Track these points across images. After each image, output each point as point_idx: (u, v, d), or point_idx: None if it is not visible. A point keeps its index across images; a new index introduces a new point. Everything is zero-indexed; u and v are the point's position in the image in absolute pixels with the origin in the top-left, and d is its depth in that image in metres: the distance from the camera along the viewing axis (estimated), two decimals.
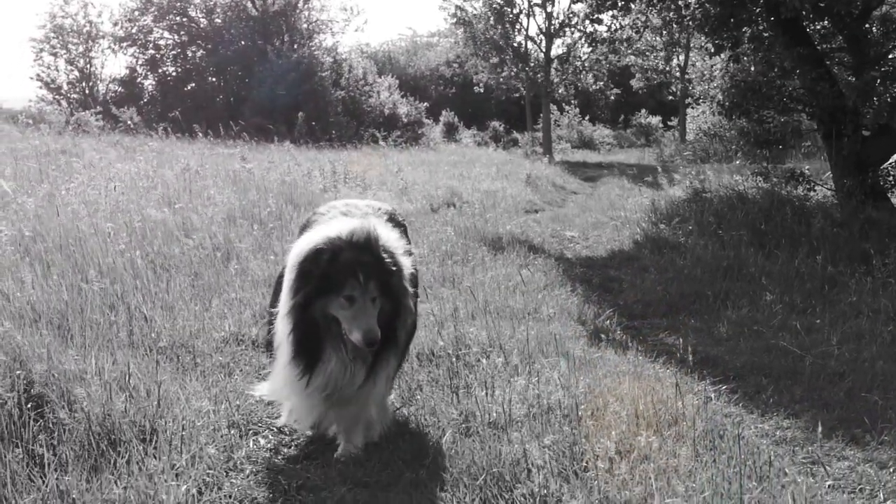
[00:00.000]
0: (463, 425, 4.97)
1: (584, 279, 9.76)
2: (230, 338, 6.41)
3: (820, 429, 4.66)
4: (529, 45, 39.81)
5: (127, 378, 4.91)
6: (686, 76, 37.83)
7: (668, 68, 43.03)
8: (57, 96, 36.31)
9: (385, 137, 30.76)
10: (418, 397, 5.60)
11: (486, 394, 5.38)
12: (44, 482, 3.89)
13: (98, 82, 37.48)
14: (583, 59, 40.18)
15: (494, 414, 5.05)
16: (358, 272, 4.22)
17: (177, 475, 4.12)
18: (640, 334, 7.63)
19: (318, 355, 4.39)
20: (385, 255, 4.36)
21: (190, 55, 38.20)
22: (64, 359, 4.92)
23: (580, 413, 4.98)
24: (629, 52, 40.57)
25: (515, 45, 39.38)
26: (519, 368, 5.93)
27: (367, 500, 4.11)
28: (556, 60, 39.52)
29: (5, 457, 3.98)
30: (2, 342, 4.85)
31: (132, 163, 13.03)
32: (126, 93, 36.75)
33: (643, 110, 52.34)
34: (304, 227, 5.21)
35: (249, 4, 38.37)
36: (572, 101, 46.34)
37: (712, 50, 14.28)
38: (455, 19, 39.10)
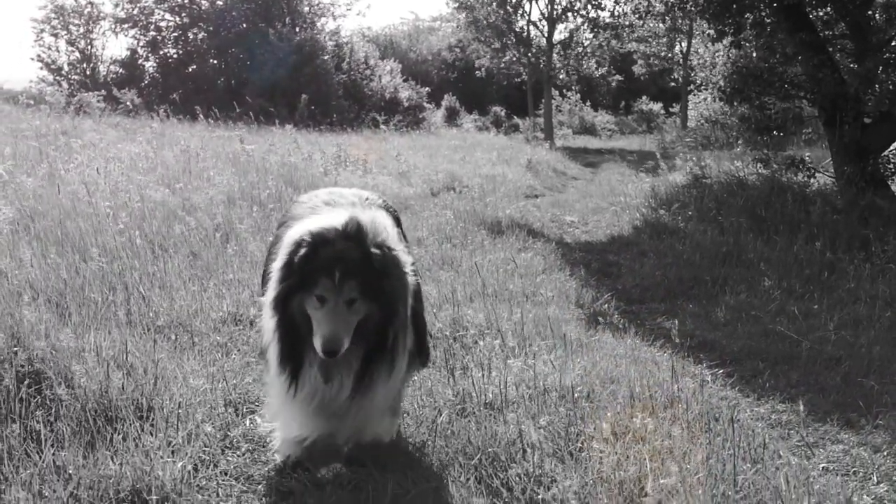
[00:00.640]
0: (459, 406, 4.98)
1: (582, 263, 9.76)
2: (228, 318, 6.42)
3: (815, 412, 4.69)
4: (531, 29, 39.73)
5: (124, 356, 4.92)
6: (688, 63, 37.69)
7: (670, 55, 42.95)
8: (58, 77, 36.16)
9: (386, 121, 30.71)
10: (415, 378, 5.61)
11: (483, 375, 5.39)
12: (41, 457, 3.90)
13: (99, 64, 37.35)
14: (585, 44, 40.10)
15: (490, 395, 5.06)
16: (334, 269, 3.69)
17: (173, 452, 4.13)
18: (637, 318, 7.64)
19: (302, 359, 3.91)
20: (377, 252, 3.80)
21: (191, 37, 38.02)
22: (62, 336, 4.94)
23: (576, 395, 5.00)
24: (631, 38, 40.47)
25: (517, 29, 39.29)
26: (516, 350, 5.93)
27: (362, 478, 4.12)
28: (558, 45, 39.45)
29: (3, 432, 4.00)
30: (0, 319, 4.85)
31: (132, 144, 13.02)
32: (127, 74, 36.59)
33: (645, 97, 52.23)
34: (284, 219, 4.71)
35: None
36: (574, 87, 46.25)
37: (714, 36, 14.23)
38: (457, 3, 38.98)
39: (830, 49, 13.36)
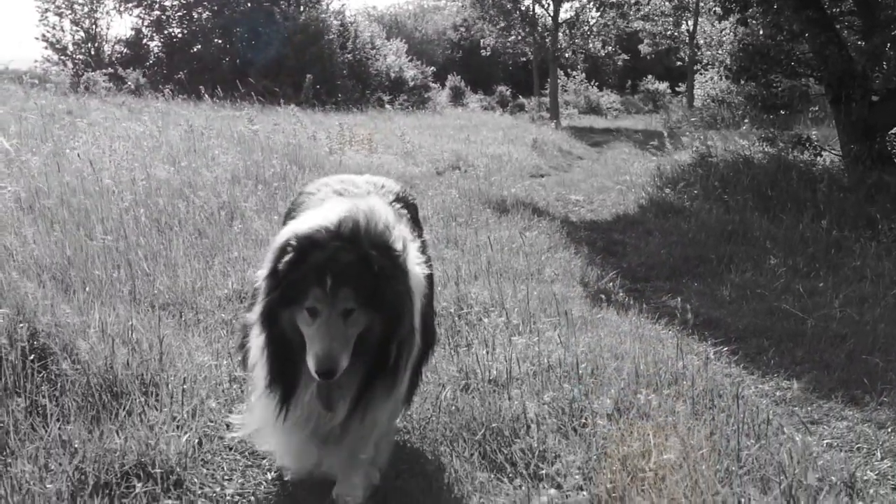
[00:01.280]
0: (463, 382, 4.99)
1: (587, 242, 9.75)
2: (233, 295, 6.41)
3: (820, 389, 4.69)
4: (537, 8, 39.54)
5: (129, 332, 4.92)
6: (694, 41, 37.51)
7: (676, 33, 42.67)
8: (62, 57, 36.14)
9: (391, 101, 30.68)
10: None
11: (487, 352, 5.40)
12: (46, 431, 3.92)
13: (104, 43, 37.31)
14: (591, 23, 39.92)
15: (495, 371, 5.07)
16: (325, 276, 3.19)
17: (178, 427, 4.14)
18: (642, 297, 7.64)
19: (296, 381, 3.42)
20: (375, 253, 3.29)
21: (196, 16, 37.92)
22: (67, 312, 4.94)
23: (580, 371, 5.00)
24: (637, 16, 40.26)
25: (523, 8, 39.11)
26: (520, 327, 5.94)
27: None
28: (564, 25, 39.27)
29: (9, 406, 4.02)
30: (5, 295, 4.86)
31: (137, 123, 13.00)
32: (131, 54, 36.55)
33: (651, 76, 52.03)
34: (290, 212, 4.24)
35: None
36: (580, 66, 46.07)
37: (720, 13, 14.15)
38: None
39: (837, 26, 13.29)
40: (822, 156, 13.47)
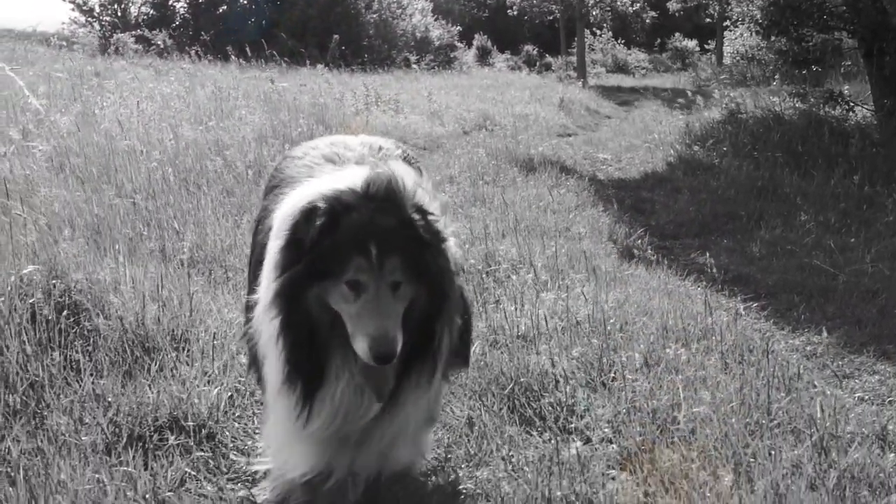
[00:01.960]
0: (491, 338, 4.99)
1: (615, 200, 9.68)
2: None
3: (851, 344, 4.66)
4: None
5: (159, 289, 4.97)
6: None
7: None
8: (89, 19, 36.17)
9: (417, 61, 30.49)
10: None
11: (515, 308, 5.39)
12: (80, 385, 3.98)
13: (130, 4, 37.27)
14: None
15: (523, 327, 5.06)
16: (369, 244, 2.72)
17: (209, 381, 4.18)
18: (671, 253, 7.60)
19: (322, 373, 2.89)
20: (418, 217, 2.85)
21: None
22: (98, 269, 4.99)
23: (609, 327, 4.99)
24: None
25: None
26: (548, 284, 5.93)
27: None
28: None
29: (44, 361, 4.07)
30: (38, 252, 4.91)
31: (165, 84, 13.02)
32: (158, 15, 36.47)
33: (679, 34, 51.37)
34: (273, 181, 3.71)
35: None
36: (607, 25, 45.57)
37: None
38: None
39: None
40: (854, 111, 13.25)
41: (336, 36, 31.19)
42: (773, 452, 3.62)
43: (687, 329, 5.09)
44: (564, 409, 4.16)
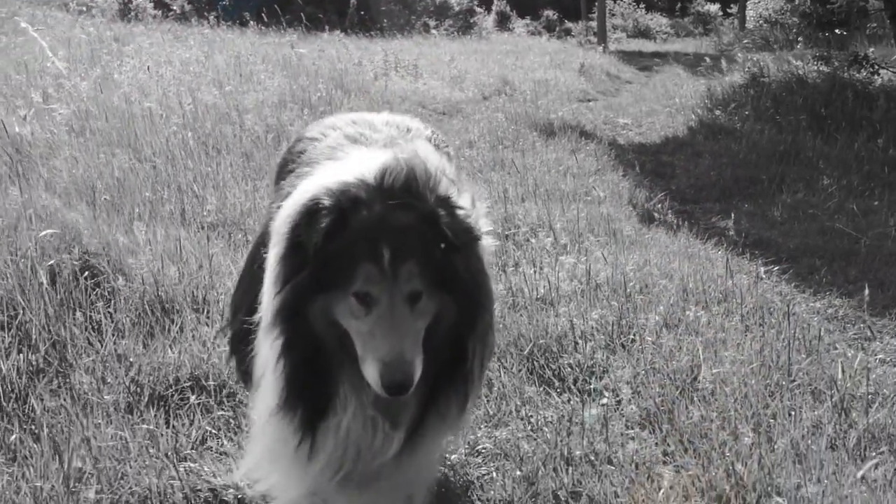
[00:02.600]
0: (510, 300, 4.98)
1: (636, 164, 9.62)
2: None
3: (873, 307, 4.63)
4: None
5: (179, 251, 4.99)
6: None
7: None
8: None
9: (436, 27, 30.30)
10: None
11: (535, 271, 5.39)
12: (102, 346, 4.01)
13: None
14: None
15: (542, 290, 5.05)
16: (380, 247, 2.24)
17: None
18: (692, 218, 7.55)
19: (327, 401, 2.42)
20: (442, 212, 2.34)
21: None
22: (118, 232, 5.01)
23: (628, 289, 4.98)
24: None
25: None
26: (568, 247, 5.91)
27: None
28: None
29: (66, 321, 4.11)
30: (58, 214, 4.94)
31: (184, 49, 13.01)
32: None
33: None
34: (286, 165, 3.25)
35: None
36: None
37: None
38: None
39: None
40: (879, 74, 13.07)
41: (353, 1, 31.05)
42: (793, 413, 3.62)
43: (707, 292, 5.07)
44: (584, 370, 4.16)
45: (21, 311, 4.10)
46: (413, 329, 2.26)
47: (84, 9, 17.68)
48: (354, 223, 2.28)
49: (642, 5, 47.86)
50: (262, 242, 2.77)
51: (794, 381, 3.91)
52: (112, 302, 4.44)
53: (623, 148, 11.02)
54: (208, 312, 4.49)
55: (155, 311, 4.40)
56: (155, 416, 3.55)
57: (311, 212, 2.29)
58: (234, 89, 9.84)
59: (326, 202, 2.28)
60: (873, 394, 3.83)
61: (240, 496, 3.17)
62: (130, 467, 3.23)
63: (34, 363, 3.86)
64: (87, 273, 4.49)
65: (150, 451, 3.33)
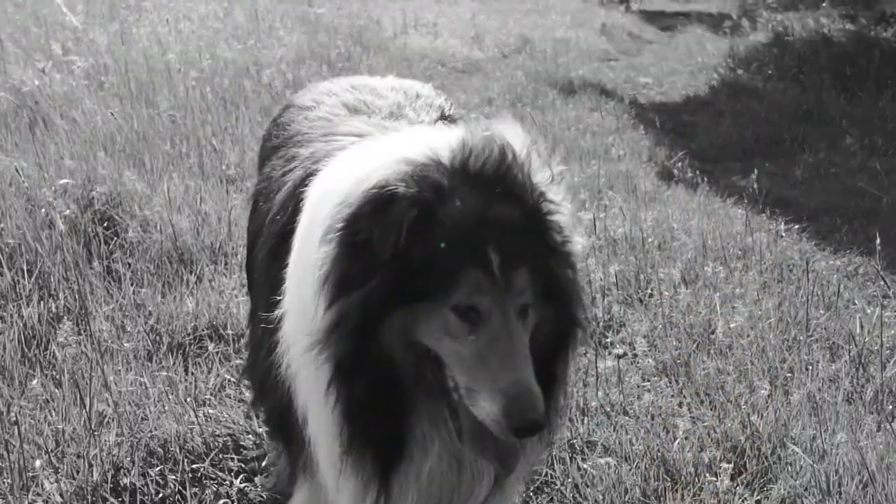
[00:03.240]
0: None
1: (657, 123, 9.56)
2: None
3: (894, 265, 4.60)
4: None
5: (198, 203, 5.00)
6: None
7: None
8: None
9: None
10: None
11: None
12: (121, 295, 4.03)
13: None
14: None
15: None
16: (487, 248, 1.79)
17: (247, 292, 4.22)
18: (712, 176, 7.49)
19: (402, 442, 1.96)
20: (545, 207, 1.92)
21: None
22: (137, 182, 5.02)
23: (646, 245, 4.96)
24: None
25: None
26: (587, 203, 5.88)
27: None
28: None
29: (85, 270, 4.13)
30: (78, 165, 4.96)
31: (202, 4, 12.94)
32: None
33: None
34: (273, 141, 2.78)
35: None
36: None
37: None
38: None
39: None
40: None
41: None
42: (810, 367, 3.61)
43: (726, 248, 5.06)
44: (601, 324, 4.15)
45: (41, 260, 4.12)
46: (527, 357, 1.82)
47: None
48: (445, 218, 1.80)
49: None
50: (274, 252, 2.24)
51: (811, 335, 3.90)
52: (130, 252, 4.46)
53: (643, 107, 10.94)
54: (226, 263, 4.51)
55: (173, 262, 4.42)
56: (174, 363, 3.58)
57: (381, 201, 1.80)
58: (254, 45, 9.80)
59: (404, 190, 1.79)
60: (892, 349, 3.81)
61: (257, 442, 3.20)
62: (150, 412, 3.26)
63: (54, 311, 3.89)
64: (105, 223, 4.52)
65: (170, 396, 3.35)
